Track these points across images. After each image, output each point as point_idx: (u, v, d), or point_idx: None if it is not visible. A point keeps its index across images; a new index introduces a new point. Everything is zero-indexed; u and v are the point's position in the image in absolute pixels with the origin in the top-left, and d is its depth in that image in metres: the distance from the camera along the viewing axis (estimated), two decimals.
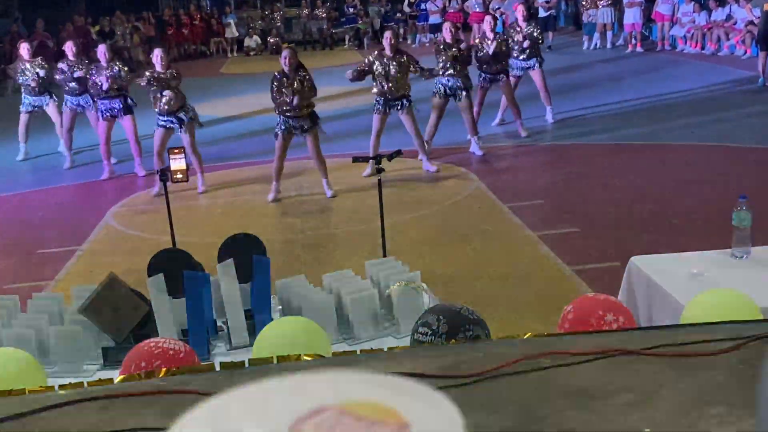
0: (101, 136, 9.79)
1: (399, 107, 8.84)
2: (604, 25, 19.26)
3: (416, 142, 9.05)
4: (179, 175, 5.40)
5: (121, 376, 2.05)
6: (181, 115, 8.71)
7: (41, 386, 2.05)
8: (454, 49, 9.34)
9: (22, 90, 10.97)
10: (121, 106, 9.60)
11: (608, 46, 19.19)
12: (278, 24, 25.32)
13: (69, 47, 10.34)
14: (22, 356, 2.83)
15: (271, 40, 24.30)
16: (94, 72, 9.61)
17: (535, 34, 10.85)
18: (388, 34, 9.07)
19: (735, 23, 16.64)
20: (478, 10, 19.70)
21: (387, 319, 3.51)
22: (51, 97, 10.80)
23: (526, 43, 10.71)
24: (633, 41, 18.40)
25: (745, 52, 15.84)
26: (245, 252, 3.59)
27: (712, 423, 1.36)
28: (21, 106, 10.93)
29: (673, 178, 8.21)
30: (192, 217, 8.12)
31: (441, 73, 9.40)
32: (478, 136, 9.77)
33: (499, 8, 18.13)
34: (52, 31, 20.43)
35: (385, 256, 4.99)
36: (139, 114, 9.87)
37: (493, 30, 10.29)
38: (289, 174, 8.55)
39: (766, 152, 8.91)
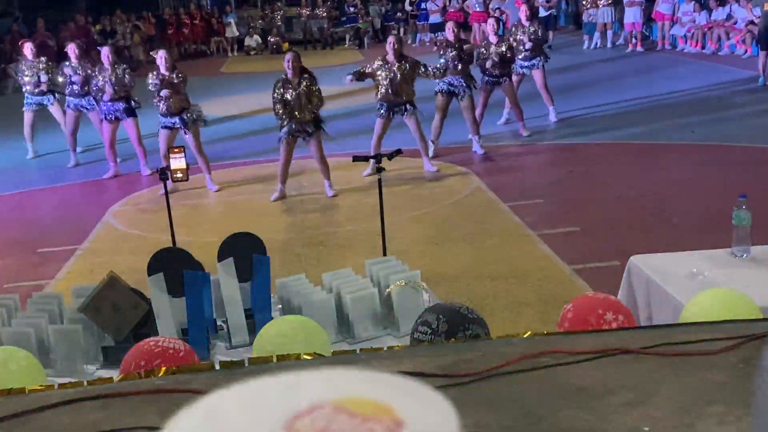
0: (106, 139, 9.78)
1: (403, 112, 8.85)
2: (605, 24, 19.26)
3: (420, 144, 9.05)
4: (179, 174, 5.39)
5: (121, 375, 2.05)
6: (184, 116, 8.70)
7: (41, 385, 2.05)
8: (456, 49, 9.33)
9: (24, 89, 10.94)
10: (125, 108, 9.60)
11: (608, 45, 19.19)
12: (279, 23, 25.31)
13: (72, 49, 10.30)
14: (22, 355, 2.83)
15: (272, 40, 24.30)
16: (96, 75, 9.59)
17: (539, 33, 10.85)
18: (391, 39, 9.06)
19: (735, 23, 16.64)
20: (478, 9, 19.69)
21: (387, 318, 3.51)
22: (54, 96, 10.79)
23: (528, 45, 10.71)
24: (633, 41, 18.39)
25: (746, 51, 15.83)
26: (245, 251, 3.59)
27: (712, 422, 1.36)
28: (24, 106, 10.92)
29: (673, 177, 8.21)
30: (192, 216, 8.12)
31: (443, 72, 9.40)
32: (480, 135, 9.78)
33: (499, 8, 18.11)
34: (52, 30, 20.44)
35: (385, 255, 4.99)
36: (141, 114, 9.86)
37: (496, 33, 10.28)
38: (290, 173, 8.55)
39: (766, 152, 8.91)
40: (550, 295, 5.40)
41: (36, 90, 10.70)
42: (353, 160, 6.19)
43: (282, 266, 5.84)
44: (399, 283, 3.46)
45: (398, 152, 5.73)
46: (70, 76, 10.14)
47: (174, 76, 8.64)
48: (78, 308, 3.37)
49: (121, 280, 3.46)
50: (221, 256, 3.57)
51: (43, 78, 10.62)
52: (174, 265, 3.44)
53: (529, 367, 1.64)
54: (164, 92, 8.53)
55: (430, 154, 9.48)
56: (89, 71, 10.02)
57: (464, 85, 9.42)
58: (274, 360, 1.98)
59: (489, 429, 1.38)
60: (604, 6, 19.04)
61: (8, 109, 15.04)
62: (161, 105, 8.62)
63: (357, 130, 10.63)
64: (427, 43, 22.27)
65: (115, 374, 2.28)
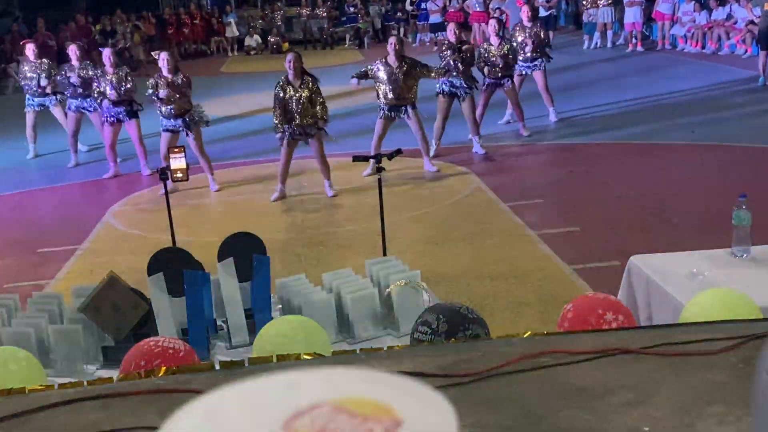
0: (106, 140, 9.77)
1: (404, 113, 8.85)
2: (605, 24, 19.26)
3: (421, 144, 9.05)
4: (179, 174, 5.39)
5: (121, 375, 2.05)
6: (187, 118, 8.69)
7: (41, 385, 2.05)
8: (458, 51, 9.32)
9: (25, 90, 10.93)
10: (126, 110, 9.59)
11: (609, 45, 19.19)
12: (279, 23, 25.31)
13: (73, 50, 10.29)
14: (22, 355, 2.83)
15: (272, 40, 24.30)
16: (98, 78, 9.58)
17: (540, 35, 10.83)
18: (392, 40, 9.04)
19: (735, 22, 16.64)
20: (478, 9, 19.69)
21: (387, 318, 3.51)
22: (56, 97, 10.76)
23: (528, 48, 10.71)
24: (633, 40, 18.40)
25: (746, 51, 15.83)
26: (245, 251, 3.59)
27: (712, 422, 1.36)
28: (26, 107, 10.91)
29: (673, 177, 8.21)
30: (192, 216, 8.12)
31: (450, 56, 9.39)
32: (480, 135, 9.78)
33: (499, 8, 18.11)
34: (53, 30, 20.45)
35: (385, 255, 4.99)
36: (142, 114, 9.85)
37: (497, 35, 10.27)
38: (290, 173, 8.55)
39: (766, 151, 8.91)
40: (550, 295, 5.40)
41: (39, 91, 10.69)
42: (353, 160, 6.19)
43: (282, 266, 5.85)
44: (399, 283, 3.46)
45: (398, 152, 5.73)
46: (70, 77, 10.14)
47: (178, 78, 8.63)
48: (78, 308, 3.37)
49: (121, 280, 3.46)
50: (221, 256, 3.57)
51: (44, 83, 10.61)
52: (174, 265, 3.44)
53: (529, 367, 1.64)
54: (162, 93, 8.53)
55: (431, 153, 9.48)
56: (91, 73, 10.02)
57: (465, 86, 9.42)
58: (274, 360, 1.98)
59: (489, 429, 1.38)
60: (604, 6, 19.03)
61: (8, 109, 15.04)
62: (162, 108, 8.61)
63: (357, 130, 10.63)
64: (427, 43, 22.26)
65: (115, 374, 2.28)
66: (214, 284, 3.51)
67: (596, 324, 2.66)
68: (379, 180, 5.42)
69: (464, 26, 12.12)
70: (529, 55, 10.82)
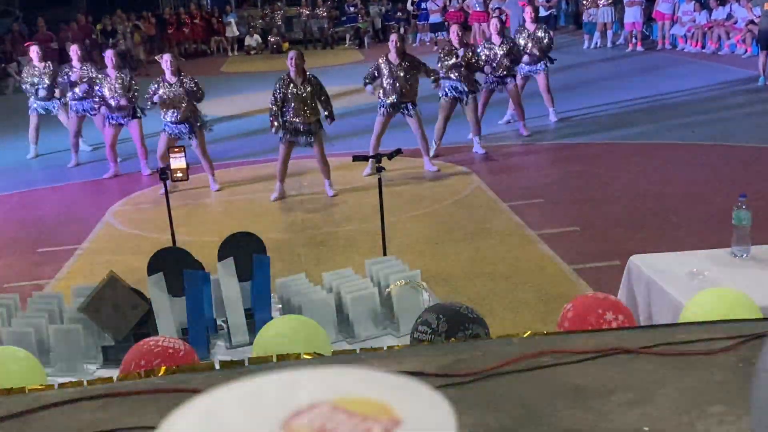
0: (107, 140, 9.78)
1: (404, 111, 8.85)
2: (605, 24, 19.26)
3: (421, 143, 9.04)
4: (179, 174, 5.39)
5: (121, 375, 2.05)
6: (189, 124, 8.69)
7: (41, 385, 2.05)
8: (462, 53, 9.31)
9: (28, 93, 10.91)
10: (128, 113, 9.59)
11: (609, 45, 19.19)
12: (279, 23, 25.31)
13: (74, 51, 10.30)
14: (22, 355, 2.83)
15: (272, 39, 24.30)
16: (100, 80, 9.56)
17: (545, 41, 10.79)
18: (393, 37, 9.03)
19: (735, 22, 16.64)
20: (478, 9, 19.69)
21: (387, 318, 3.51)
22: (60, 101, 10.73)
23: (535, 51, 10.67)
24: (633, 40, 18.40)
25: (746, 51, 15.83)
26: (245, 251, 3.59)
27: (712, 422, 1.36)
28: (30, 110, 10.89)
29: (673, 177, 8.21)
30: (192, 215, 8.12)
31: (445, 72, 9.38)
32: (480, 135, 9.77)
33: (498, 8, 18.11)
34: (53, 30, 20.44)
35: (385, 254, 4.99)
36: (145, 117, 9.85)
37: (499, 33, 10.26)
38: (290, 173, 8.55)
39: (766, 151, 8.91)
40: (550, 295, 5.41)
41: (45, 95, 10.68)
42: (353, 160, 6.19)
43: (282, 266, 5.85)
44: (399, 282, 3.46)
45: (398, 152, 5.73)
46: (71, 76, 10.13)
47: (187, 81, 8.63)
48: (78, 308, 3.37)
49: (121, 279, 3.46)
50: (221, 256, 3.57)
51: (42, 93, 10.61)
52: (174, 265, 3.44)
53: (529, 367, 1.64)
54: (156, 98, 8.57)
55: (431, 153, 9.48)
56: (93, 75, 10.00)
57: (468, 90, 9.41)
58: (274, 360, 1.98)
59: (489, 429, 1.38)
60: (604, 6, 19.03)
61: (8, 109, 15.05)
62: (167, 115, 8.60)
63: (357, 129, 10.63)
64: (428, 43, 22.26)
65: (115, 374, 2.28)
66: (214, 284, 3.51)
67: (596, 324, 2.66)
68: (379, 180, 5.42)
69: (464, 26, 12.10)
70: (532, 58, 10.78)
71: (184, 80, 8.63)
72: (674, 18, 18.28)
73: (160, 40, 23.33)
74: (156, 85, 8.62)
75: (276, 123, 8.07)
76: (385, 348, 2.05)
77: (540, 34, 10.79)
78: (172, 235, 5.27)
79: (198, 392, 1.59)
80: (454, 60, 9.29)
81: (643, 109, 11.74)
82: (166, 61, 8.66)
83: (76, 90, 10.19)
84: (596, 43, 19.25)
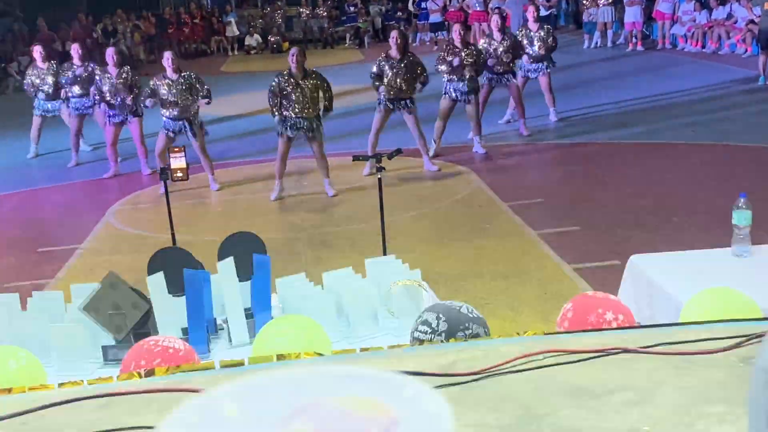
0: (108, 138, 9.78)
1: (402, 107, 8.85)
2: (605, 23, 19.26)
3: (419, 142, 9.04)
4: (179, 174, 5.39)
5: (121, 375, 2.05)
6: (191, 120, 8.69)
7: (41, 384, 2.05)
8: (464, 53, 9.30)
9: (30, 93, 10.90)
10: (129, 111, 9.60)
11: (609, 44, 19.19)
12: (279, 22, 25.32)
13: (75, 49, 10.32)
14: (22, 354, 2.83)
15: (272, 39, 24.30)
16: (101, 78, 9.56)
17: (549, 41, 10.78)
18: (394, 33, 9.03)
19: (736, 22, 16.63)
20: (478, 8, 19.70)
21: (387, 318, 3.51)
22: (64, 102, 10.73)
23: (541, 51, 10.65)
24: (633, 40, 18.39)
25: (746, 50, 15.83)
26: (245, 250, 3.59)
27: (712, 421, 1.36)
28: (34, 110, 10.90)
29: (673, 176, 8.21)
30: (192, 215, 8.12)
31: (445, 70, 9.37)
32: (481, 135, 9.77)
33: (498, 7, 18.10)
34: (53, 30, 20.44)
35: (385, 254, 4.99)
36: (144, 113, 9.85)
37: (500, 30, 10.25)
38: (290, 173, 8.56)
39: (766, 151, 8.91)
40: (550, 294, 5.41)
41: (50, 94, 10.68)
42: (353, 160, 6.19)
43: (282, 266, 5.84)
44: (399, 282, 3.46)
45: (398, 152, 5.73)
46: (75, 70, 10.14)
47: (191, 76, 8.66)
48: (78, 307, 3.37)
49: (122, 279, 3.46)
50: (221, 256, 3.57)
51: (45, 89, 10.61)
52: (174, 265, 3.44)
53: (529, 367, 1.64)
54: (149, 102, 8.60)
55: (431, 153, 9.48)
56: (94, 73, 9.99)
57: (470, 90, 9.40)
58: (274, 359, 1.98)
59: (489, 429, 1.38)
60: (604, 5, 19.03)
61: (9, 109, 15.05)
62: (166, 110, 8.60)
63: (357, 129, 10.63)
64: (428, 43, 22.26)
65: (115, 373, 2.28)
66: (214, 284, 3.51)
67: (596, 323, 2.65)
68: (380, 179, 5.42)
69: (464, 26, 12.11)
70: (534, 58, 10.75)
71: (185, 76, 8.65)
72: (674, 18, 18.28)
73: (160, 40, 23.33)
74: (156, 83, 8.62)
75: (275, 110, 8.08)
76: (385, 348, 2.05)
77: (543, 34, 10.78)
78: (172, 234, 5.28)
79: (198, 392, 1.59)
80: (453, 58, 9.28)
81: (643, 109, 11.74)
82: (167, 58, 8.67)
83: (75, 88, 10.18)
84: (596, 43, 19.24)
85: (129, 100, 9.40)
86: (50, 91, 10.63)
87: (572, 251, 6.23)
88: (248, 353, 2.90)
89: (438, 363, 1.68)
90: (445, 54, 9.46)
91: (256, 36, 24.75)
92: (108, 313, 3.32)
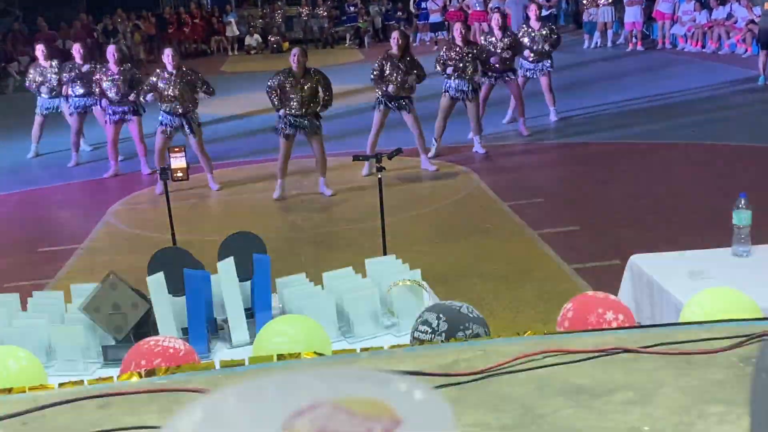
0: (109, 137, 9.78)
1: (401, 107, 8.84)
2: (605, 23, 19.26)
3: (418, 141, 9.04)
4: (179, 174, 5.39)
5: (121, 375, 2.05)
6: (189, 117, 8.70)
7: (41, 384, 2.05)
8: (463, 52, 9.30)
9: (31, 90, 10.91)
10: (129, 109, 9.60)
11: (609, 44, 19.18)
12: (279, 22, 25.32)
13: (77, 49, 10.34)
14: (22, 354, 2.83)
15: (272, 39, 24.30)
16: (101, 76, 9.56)
17: (553, 37, 10.77)
18: (395, 34, 9.03)
19: (736, 22, 16.63)
20: (478, 8, 19.69)
21: (387, 318, 3.51)
22: (66, 100, 10.74)
23: (547, 47, 10.65)
24: (633, 40, 18.39)
25: (746, 50, 15.83)
26: (245, 250, 3.58)
27: (712, 421, 1.36)
28: (36, 108, 10.90)
29: (672, 176, 8.21)
30: (192, 215, 8.12)
31: (447, 71, 9.38)
32: (481, 135, 9.77)
33: (498, 7, 18.10)
34: (53, 29, 20.44)
35: (385, 254, 4.99)
36: (145, 115, 9.85)
37: (501, 28, 10.25)
38: (290, 172, 8.56)
39: (766, 151, 8.91)
40: (550, 294, 5.40)
41: (52, 93, 10.69)
42: (353, 160, 6.19)
43: (282, 266, 5.83)
44: (399, 282, 3.46)
45: (398, 151, 5.73)
46: (81, 68, 10.15)
47: (189, 72, 8.67)
48: (78, 307, 3.37)
49: (122, 279, 3.46)
50: (221, 256, 3.57)
51: (48, 91, 10.62)
52: (174, 265, 3.44)
53: (529, 367, 1.64)
54: (149, 97, 8.61)
55: (432, 152, 9.48)
56: (94, 70, 10.00)
57: (471, 89, 9.40)
58: (275, 359, 1.98)
59: (489, 429, 1.38)
60: (604, 5, 19.03)
61: (9, 109, 15.04)
62: (165, 105, 8.60)
63: (357, 129, 10.63)
64: (428, 43, 22.25)
65: (115, 373, 2.28)
66: (215, 284, 3.51)
67: (596, 323, 2.65)
68: (380, 179, 5.42)
69: (464, 25, 12.10)
70: (535, 57, 10.74)
71: (184, 71, 8.66)
72: (674, 17, 18.28)
73: (160, 40, 23.33)
74: (155, 79, 8.63)
75: (276, 101, 8.08)
76: (385, 348, 2.05)
77: (546, 32, 10.77)
78: (173, 234, 5.28)
79: (198, 392, 1.59)
80: (454, 56, 9.28)
81: (643, 109, 11.73)
82: (167, 54, 8.68)
83: (78, 88, 10.19)
84: (596, 43, 19.24)
85: (131, 97, 9.40)
86: (52, 88, 10.63)
87: (572, 251, 6.23)
88: (248, 353, 2.90)
89: (438, 363, 1.68)
90: (446, 53, 9.45)
91: (256, 36, 24.75)
92: (108, 313, 3.32)
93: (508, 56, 10.12)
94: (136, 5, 24.57)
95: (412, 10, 23.94)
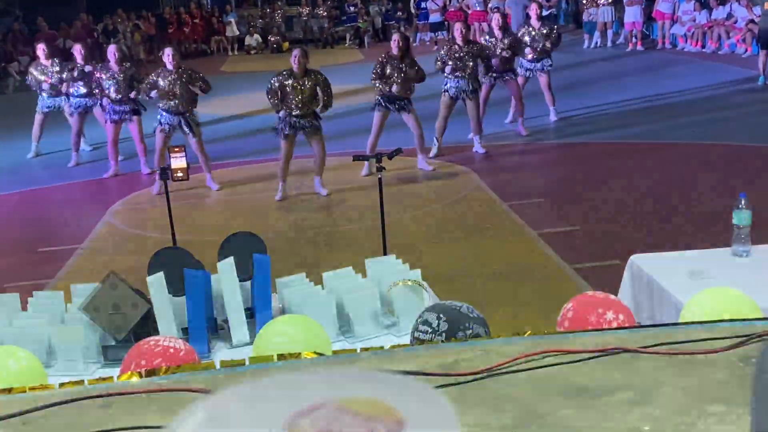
0: (109, 136, 9.79)
1: (402, 108, 8.84)
2: (605, 23, 19.26)
3: (417, 141, 9.04)
4: (180, 174, 5.39)
5: (122, 375, 2.05)
6: (188, 116, 8.70)
7: (42, 384, 2.05)
8: (464, 51, 9.30)
9: (39, 91, 10.90)
10: (130, 109, 9.60)
11: (609, 44, 19.18)
12: (279, 22, 25.32)
13: (78, 50, 10.34)
14: (22, 354, 2.83)
15: (272, 39, 24.30)
16: (101, 75, 9.56)
17: (553, 36, 10.77)
18: (396, 37, 9.02)
19: (735, 22, 16.63)
20: (478, 8, 19.69)
21: (387, 318, 3.52)
22: (68, 99, 10.74)
23: (538, 46, 10.65)
24: (633, 40, 18.39)
25: (746, 50, 15.83)
26: (246, 250, 3.58)
27: (712, 421, 1.36)
28: (37, 107, 10.91)
29: (673, 176, 8.21)
30: (192, 215, 8.12)
31: (446, 70, 9.38)
32: (481, 135, 9.76)
33: (497, 7, 18.10)
34: (53, 29, 20.44)
35: (385, 254, 4.99)
36: (144, 112, 9.85)
37: (501, 28, 10.25)
38: (291, 173, 8.56)
39: (766, 150, 8.91)
40: (550, 294, 5.40)
41: (53, 92, 10.69)
42: (353, 160, 6.19)
43: (282, 265, 5.84)
44: (399, 282, 3.46)
45: (398, 151, 5.72)
46: (85, 68, 10.15)
47: (188, 71, 8.68)
48: (78, 307, 3.37)
49: (122, 279, 3.46)
50: (222, 256, 3.57)
51: (50, 90, 10.62)
52: (174, 265, 3.44)
53: (529, 367, 1.64)
54: (153, 93, 8.62)
55: (433, 152, 9.49)
56: (94, 69, 10.00)
57: (471, 88, 9.40)
58: (275, 359, 1.98)
59: (489, 429, 1.38)
60: (604, 5, 19.02)
61: (9, 109, 15.04)
62: (164, 103, 8.60)
63: (357, 129, 10.63)
64: (428, 42, 22.25)
65: (115, 373, 2.28)
66: (215, 283, 3.51)
67: (596, 323, 2.66)
68: (380, 179, 5.42)
69: (464, 25, 12.10)
70: (535, 56, 10.74)
71: (184, 69, 8.67)
72: (674, 17, 18.28)
73: (160, 40, 23.33)
74: (155, 77, 8.63)
75: (277, 103, 8.08)
76: (385, 347, 2.05)
77: (546, 31, 10.78)
78: (173, 234, 5.28)
79: (198, 392, 1.59)
80: (454, 55, 9.28)
81: (643, 108, 11.73)
82: (168, 54, 8.68)
83: (80, 88, 10.18)
84: (596, 43, 19.24)
85: (132, 94, 9.40)
86: (54, 87, 10.64)
87: (572, 251, 6.23)
88: (249, 353, 2.90)
89: (438, 363, 1.68)
90: (446, 53, 9.45)
91: (256, 36, 24.75)
92: (108, 313, 3.32)
93: (507, 56, 10.12)
94: (136, 5, 24.56)
95: (412, 10, 23.93)
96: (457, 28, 9.67)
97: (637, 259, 3.85)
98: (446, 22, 21.22)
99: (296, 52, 8.12)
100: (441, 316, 2.74)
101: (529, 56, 10.74)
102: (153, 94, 8.68)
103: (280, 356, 2.02)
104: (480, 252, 6.45)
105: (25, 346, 3.02)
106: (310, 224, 7.59)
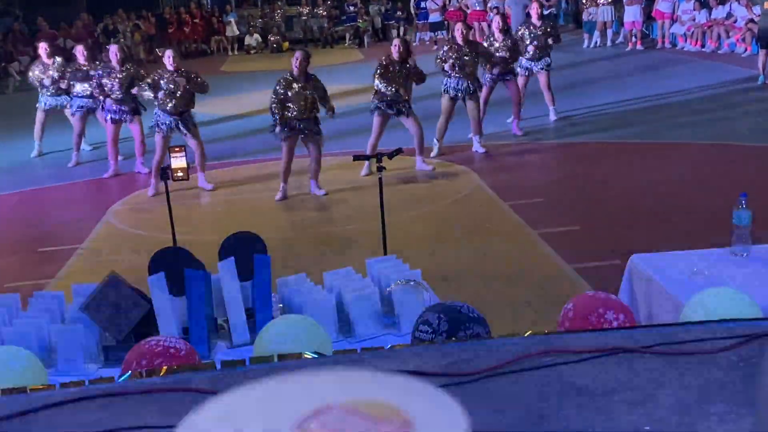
0: (109, 135, 9.78)
1: (401, 112, 8.83)
2: (605, 23, 19.25)
3: (417, 142, 9.03)
4: (180, 173, 5.40)
5: (122, 375, 2.05)
6: (186, 117, 8.69)
7: (42, 384, 2.05)
8: (464, 52, 9.30)
9: (40, 90, 10.91)
10: (130, 109, 9.60)
11: (608, 44, 19.18)
12: (279, 22, 25.31)
13: (80, 51, 10.35)
14: (23, 354, 2.83)
15: (272, 39, 24.30)
16: (102, 75, 9.56)
17: (552, 33, 10.77)
18: (396, 42, 9.01)
19: (735, 21, 16.63)
20: (478, 8, 19.69)
21: (388, 318, 3.52)
22: (70, 98, 10.72)
23: (538, 45, 10.64)
24: (633, 39, 18.39)
25: (746, 50, 15.83)
26: (246, 250, 3.59)
27: (712, 421, 1.36)
28: (38, 105, 10.91)
29: (673, 176, 8.21)
30: (193, 215, 8.12)
31: (446, 69, 9.38)
32: (481, 135, 9.76)
33: (497, 7, 18.10)
34: (54, 29, 20.44)
35: (385, 254, 4.99)
36: (144, 113, 9.85)
37: (501, 30, 10.25)
38: (291, 173, 8.55)
39: (766, 150, 8.91)
40: (551, 294, 5.40)
41: (54, 91, 10.69)
42: (354, 159, 6.19)
43: (282, 266, 5.84)
44: (400, 282, 3.47)
45: (399, 151, 5.73)
46: (88, 71, 10.15)
47: (187, 72, 8.69)
48: (79, 307, 3.37)
49: (122, 279, 3.46)
50: (222, 256, 3.58)
51: (51, 88, 10.63)
52: (175, 265, 3.44)
53: (530, 367, 1.64)
54: (147, 93, 8.64)
55: (434, 153, 9.49)
56: (96, 70, 9.99)
57: (471, 88, 9.40)
58: (276, 359, 1.98)
59: (489, 429, 1.39)
60: (604, 5, 19.02)
61: (9, 109, 15.04)
62: (163, 103, 8.60)
63: (356, 129, 10.63)
64: (427, 42, 22.25)
65: (116, 373, 2.28)
66: (215, 284, 3.51)
67: (597, 323, 2.66)
68: (380, 179, 5.42)
69: (464, 25, 12.10)
70: (535, 54, 10.73)
71: (184, 71, 8.68)
72: (674, 17, 18.27)
73: (160, 40, 23.33)
74: (156, 77, 8.64)
75: (278, 120, 8.08)
76: (386, 348, 2.06)
77: (548, 29, 10.79)
78: (173, 234, 5.28)
79: (199, 392, 1.59)
80: (454, 55, 9.29)
81: (643, 108, 11.73)
82: (168, 56, 8.69)
83: (84, 88, 10.18)
84: (596, 42, 19.24)
85: (134, 91, 9.40)
86: (55, 83, 10.64)
87: (572, 251, 6.23)
88: (249, 353, 2.90)
89: (439, 363, 1.69)
90: (446, 52, 9.44)
91: (256, 36, 24.74)
92: (108, 313, 3.32)
93: (507, 56, 10.11)
94: (136, 5, 24.56)
95: (411, 9, 23.92)
96: (458, 28, 9.67)
97: (637, 259, 3.86)
98: (446, 22, 21.21)
99: (299, 54, 8.11)
100: (441, 316, 2.74)
101: (529, 53, 10.73)
102: (147, 94, 8.68)
103: (281, 356, 2.02)
104: (480, 252, 6.45)
105: (26, 346, 3.02)
106: (310, 224, 7.59)
